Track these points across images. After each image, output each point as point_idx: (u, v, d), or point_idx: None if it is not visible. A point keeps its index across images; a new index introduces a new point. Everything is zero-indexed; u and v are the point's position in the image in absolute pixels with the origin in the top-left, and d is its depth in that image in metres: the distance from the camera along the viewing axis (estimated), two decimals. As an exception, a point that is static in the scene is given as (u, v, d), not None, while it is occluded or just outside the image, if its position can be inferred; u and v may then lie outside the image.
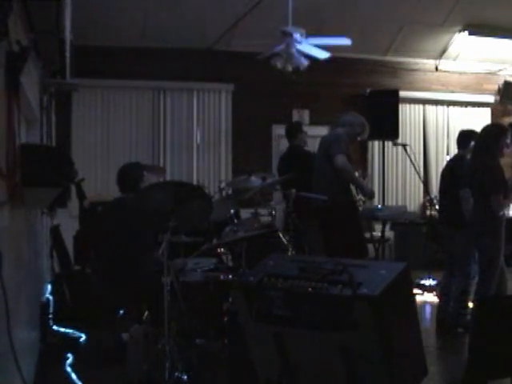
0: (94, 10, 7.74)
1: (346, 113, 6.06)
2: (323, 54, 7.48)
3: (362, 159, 9.79)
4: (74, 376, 4.25)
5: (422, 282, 7.61)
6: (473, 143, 5.83)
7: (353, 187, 5.78)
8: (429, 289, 7.44)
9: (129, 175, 4.85)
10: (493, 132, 5.30)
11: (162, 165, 8.97)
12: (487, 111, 10.59)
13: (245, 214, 6.18)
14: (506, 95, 10.42)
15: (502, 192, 4.96)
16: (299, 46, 7.16)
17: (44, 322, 5.00)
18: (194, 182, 8.76)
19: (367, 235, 8.11)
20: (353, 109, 9.76)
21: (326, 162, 5.69)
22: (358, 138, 6.02)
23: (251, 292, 3.07)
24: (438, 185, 6.38)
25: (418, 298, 6.96)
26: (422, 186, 9.91)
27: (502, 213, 5.02)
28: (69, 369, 4.40)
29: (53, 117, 6.70)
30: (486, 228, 5.07)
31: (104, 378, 4.22)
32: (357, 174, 5.94)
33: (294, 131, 7.39)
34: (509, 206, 5.23)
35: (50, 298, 5.41)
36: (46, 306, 5.18)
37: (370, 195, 5.93)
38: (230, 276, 4.38)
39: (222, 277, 4.41)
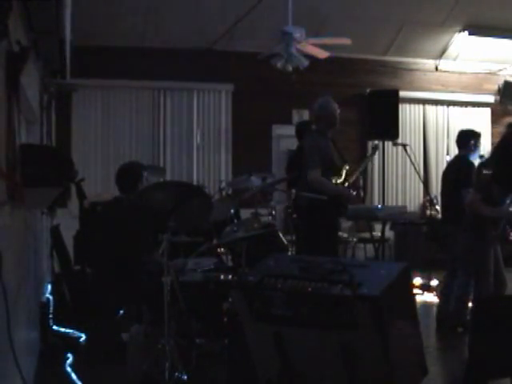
0: (94, 10, 7.74)
1: (316, 102, 5.75)
2: (323, 54, 7.48)
3: (361, 159, 9.78)
4: (74, 376, 4.24)
5: (422, 282, 7.60)
6: (472, 142, 5.85)
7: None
8: (429, 289, 7.44)
9: (128, 175, 4.85)
10: None
11: (161, 165, 8.97)
12: (487, 111, 10.59)
13: (245, 213, 6.18)
14: (506, 95, 10.42)
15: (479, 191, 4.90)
16: (299, 46, 7.16)
17: (44, 322, 5.00)
18: (194, 182, 8.76)
19: (367, 235, 8.11)
20: (353, 109, 9.88)
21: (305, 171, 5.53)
22: (338, 117, 5.82)
23: (251, 292, 3.07)
24: (439, 185, 6.39)
25: (418, 298, 6.95)
26: (421, 185, 9.91)
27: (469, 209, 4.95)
28: (69, 369, 4.40)
29: (53, 117, 6.70)
30: (473, 226, 5.04)
31: (104, 378, 4.22)
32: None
33: (302, 130, 7.35)
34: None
35: (50, 297, 5.40)
36: (46, 305, 5.17)
37: (351, 198, 5.77)
38: (230, 276, 4.38)
39: (222, 277, 4.41)
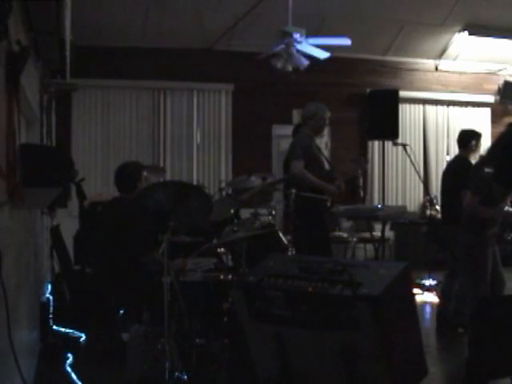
0: (93, 9, 7.75)
1: (308, 104, 5.87)
2: (323, 54, 7.48)
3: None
4: (74, 376, 4.24)
5: (422, 282, 7.60)
6: (473, 142, 5.84)
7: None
8: (429, 289, 7.44)
9: (127, 174, 4.84)
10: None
11: (161, 165, 8.98)
12: (487, 111, 10.60)
13: (245, 213, 6.18)
14: (506, 95, 10.42)
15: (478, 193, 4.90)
16: (299, 46, 7.17)
17: (44, 322, 5.00)
18: (194, 182, 8.77)
19: (367, 235, 8.11)
20: (353, 109, 9.89)
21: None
22: (326, 124, 5.91)
23: (251, 292, 3.07)
24: (439, 185, 6.38)
25: (418, 298, 6.96)
26: (422, 185, 9.91)
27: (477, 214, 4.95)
28: (69, 369, 4.40)
29: (53, 117, 6.70)
30: (473, 227, 5.04)
31: (104, 378, 4.22)
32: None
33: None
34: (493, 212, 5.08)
35: (50, 297, 5.40)
36: (46, 305, 5.17)
37: (333, 193, 5.79)
38: (230, 276, 4.38)
39: (222, 277, 4.41)
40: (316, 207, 5.49)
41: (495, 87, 10.53)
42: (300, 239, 5.47)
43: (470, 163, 5.72)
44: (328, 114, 5.78)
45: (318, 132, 5.87)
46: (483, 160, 5.20)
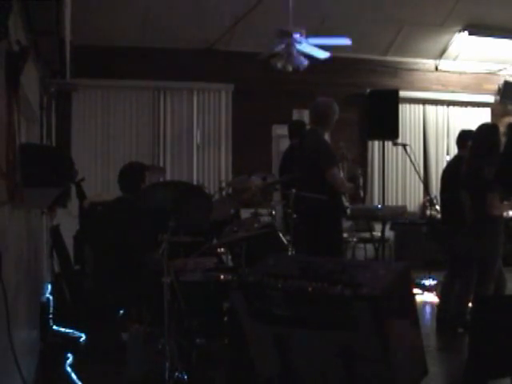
0: (93, 9, 7.74)
1: (315, 102, 5.65)
2: (323, 54, 7.48)
3: (361, 159, 9.80)
4: (74, 376, 4.24)
5: (422, 281, 7.60)
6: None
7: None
8: (429, 289, 7.44)
9: (131, 175, 4.85)
10: (493, 131, 5.29)
11: (162, 165, 8.97)
12: (487, 111, 10.59)
13: (245, 213, 6.18)
14: (506, 95, 10.42)
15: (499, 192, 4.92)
16: (299, 46, 7.17)
17: (44, 322, 5.00)
18: (194, 182, 8.77)
19: (367, 235, 8.12)
20: (353, 109, 9.88)
21: (313, 171, 5.39)
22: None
23: (251, 292, 3.07)
24: (439, 185, 6.38)
25: (418, 298, 6.95)
26: (421, 185, 9.91)
27: (498, 213, 4.99)
28: (69, 369, 4.40)
29: (53, 117, 6.70)
30: (484, 227, 5.06)
31: (104, 378, 4.22)
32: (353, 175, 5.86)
33: (295, 130, 7.36)
34: (507, 208, 5.14)
35: (50, 297, 5.40)
36: (46, 305, 5.17)
37: (354, 192, 5.75)
38: (230, 276, 4.38)
39: (222, 277, 4.41)
40: (333, 210, 5.37)
41: (495, 87, 10.53)
42: (312, 243, 5.33)
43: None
44: (335, 116, 5.63)
45: (330, 129, 5.67)
46: (474, 157, 5.19)
